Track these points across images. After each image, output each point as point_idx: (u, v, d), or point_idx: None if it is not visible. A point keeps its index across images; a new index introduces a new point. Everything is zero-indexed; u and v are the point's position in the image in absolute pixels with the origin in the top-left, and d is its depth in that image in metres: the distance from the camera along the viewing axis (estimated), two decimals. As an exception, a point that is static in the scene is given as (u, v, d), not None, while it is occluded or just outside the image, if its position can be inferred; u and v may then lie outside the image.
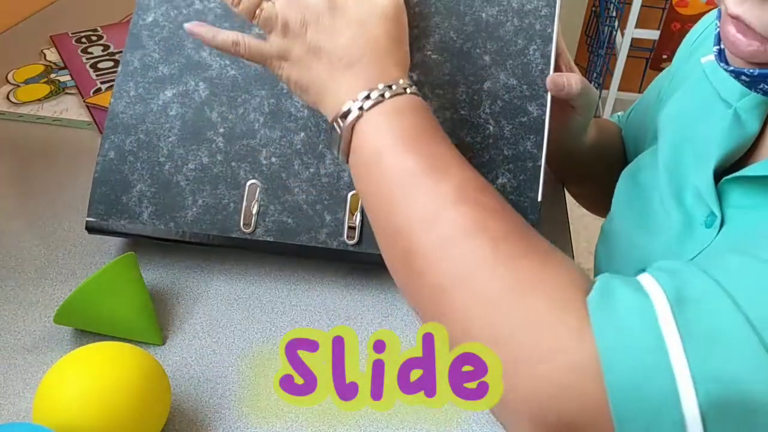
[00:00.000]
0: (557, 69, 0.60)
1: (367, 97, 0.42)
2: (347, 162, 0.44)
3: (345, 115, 0.42)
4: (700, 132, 0.51)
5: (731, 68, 0.40)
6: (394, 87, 0.42)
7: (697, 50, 0.61)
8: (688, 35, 0.64)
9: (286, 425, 0.50)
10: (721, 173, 0.46)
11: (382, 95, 0.42)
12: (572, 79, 0.57)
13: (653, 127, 0.61)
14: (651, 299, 0.32)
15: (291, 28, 0.44)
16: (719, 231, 0.45)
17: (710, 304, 0.32)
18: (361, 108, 0.41)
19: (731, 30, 0.38)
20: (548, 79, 0.57)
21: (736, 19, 0.37)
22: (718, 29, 0.42)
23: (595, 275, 0.61)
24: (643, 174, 0.58)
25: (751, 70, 0.38)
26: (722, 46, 0.41)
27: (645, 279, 0.34)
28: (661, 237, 0.50)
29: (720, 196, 0.45)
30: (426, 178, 0.38)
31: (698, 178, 0.47)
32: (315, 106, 0.46)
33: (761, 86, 0.39)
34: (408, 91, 0.43)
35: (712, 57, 0.54)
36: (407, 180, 0.39)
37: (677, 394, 0.30)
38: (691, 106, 0.54)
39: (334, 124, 0.43)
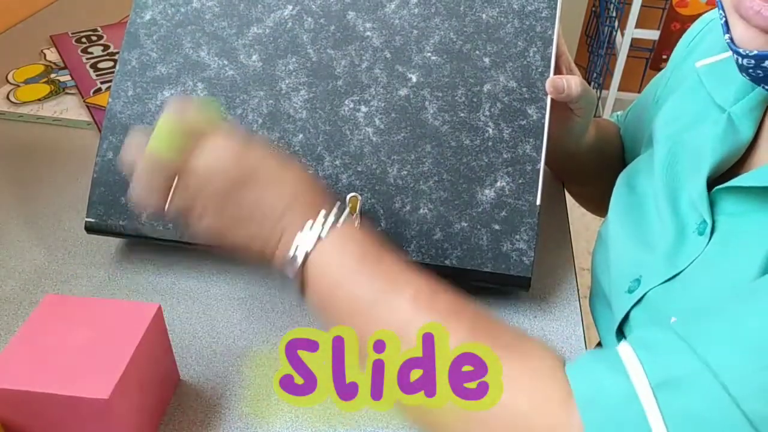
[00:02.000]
0: (558, 71, 0.60)
1: (311, 228, 0.42)
2: (304, 298, 0.45)
3: (294, 255, 0.43)
4: (694, 138, 0.50)
5: (752, 53, 0.38)
6: (334, 214, 0.43)
7: (692, 53, 0.61)
8: (683, 38, 0.64)
9: (286, 425, 0.50)
10: (714, 180, 0.46)
11: (331, 222, 0.43)
12: (572, 82, 0.57)
13: (649, 130, 0.61)
14: (633, 385, 0.33)
15: (216, 194, 0.44)
16: (710, 239, 0.45)
17: (693, 387, 0.32)
18: (315, 242, 0.42)
19: (753, 0, 0.37)
20: (548, 82, 0.57)
21: None
22: (723, 18, 0.41)
23: (593, 279, 0.61)
24: (638, 179, 0.58)
25: None
26: (732, 35, 0.40)
27: (625, 354, 0.35)
28: (656, 244, 0.50)
29: (712, 204, 0.45)
30: (382, 298, 0.40)
31: (692, 185, 0.47)
32: (263, 257, 0.46)
33: None
34: (348, 219, 0.44)
35: (707, 61, 0.54)
36: (365, 305, 0.41)
37: None
38: (686, 111, 0.54)
39: (287, 263, 0.43)
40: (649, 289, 0.48)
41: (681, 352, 0.33)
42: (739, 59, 0.40)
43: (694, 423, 0.31)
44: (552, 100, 0.58)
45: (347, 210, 0.44)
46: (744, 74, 0.41)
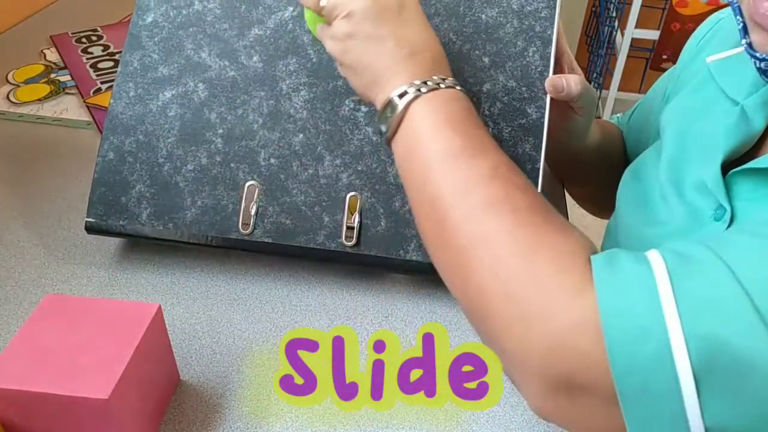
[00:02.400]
0: (560, 69, 0.60)
1: (424, 83, 0.44)
2: (390, 141, 0.46)
3: (401, 95, 0.45)
4: (705, 128, 0.51)
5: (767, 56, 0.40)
6: (447, 80, 0.45)
7: (702, 51, 0.61)
8: (692, 36, 0.64)
9: (286, 425, 0.50)
10: (726, 167, 0.46)
11: (437, 85, 0.45)
12: (571, 81, 0.57)
13: (656, 126, 0.61)
14: (652, 268, 0.35)
15: (356, 15, 0.47)
16: (729, 224, 0.45)
17: (707, 273, 0.34)
18: (418, 90, 0.44)
19: (766, 5, 0.39)
20: (547, 81, 0.57)
21: None
22: (741, 23, 0.43)
23: None
24: (645, 170, 0.58)
25: None
26: (750, 40, 0.42)
27: (651, 253, 0.37)
28: (665, 232, 0.50)
29: (728, 190, 0.46)
30: (467, 156, 0.42)
31: (704, 172, 0.48)
32: (364, 88, 0.48)
33: None
34: (458, 87, 0.46)
35: (717, 57, 0.54)
36: (449, 156, 0.42)
37: (671, 352, 0.32)
38: (696, 104, 0.55)
39: (389, 104, 0.45)
40: None
41: (700, 248, 0.35)
42: (757, 63, 0.41)
43: (704, 306, 0.33)
44: (551, 99, 0.58)
45: (459, 87, 0.46)
46: (764, 77, 0.42)
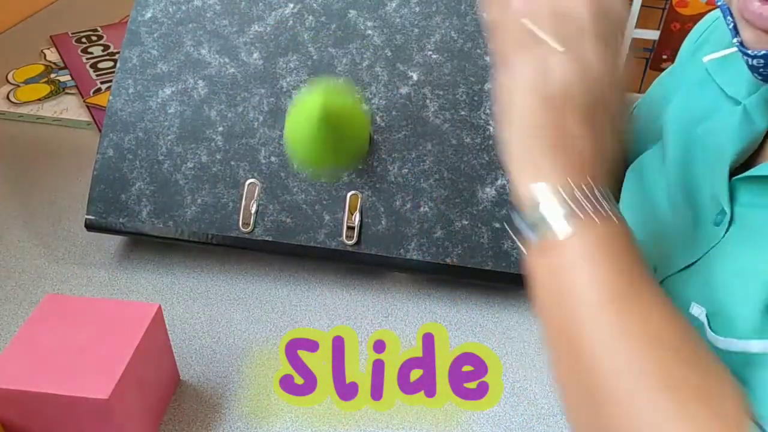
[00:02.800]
0: None
1: (571, 206, 0.36)
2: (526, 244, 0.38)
3: (542, 214, 0.36)
4: (709, 129, 0.51)
5: (760, 53, 0.38)
6: (603, 204, 0.36)
7: (699, 49, 0.61)
8: (689, 35, 0.64)
9: (286, 425, 0.49)
10: (731, 172, 0.46)
11: (589, 212, 0.36)
12: None
13: (657, 126, 0.61)
14: None
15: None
16: (728, 229, 0.45)
17: None
18: (563, 223, 0.36)
19: (755, 5, 0.37)
20: None
21: None
22: (732, 23, 0.41)
23: None
24: (647, 173, 0.58)
25: None
26: (741, 38, 0.40)
27: None
28: (670, 234, 0.50)
29: (731, 195, 0.46)
30: (624, 339, 0.35)
31: (711, 176, 0.48)
32: (521, 167, 0.38)
33: None
34: (613, 214, 0.37)
35: (714, 56, 0.54)
36: (604, 336, 0.35)
37: None
38: (695, 105, 0.54)
39: (529, 208, 0.37)
40: (665, 277, 0.49)
41: None
42: (749, 60, 0.40)
43: None
44: None
45: (614, 207, 0.36)
46: (756, 74, 0.41)
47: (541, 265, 0.38)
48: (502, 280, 0.57)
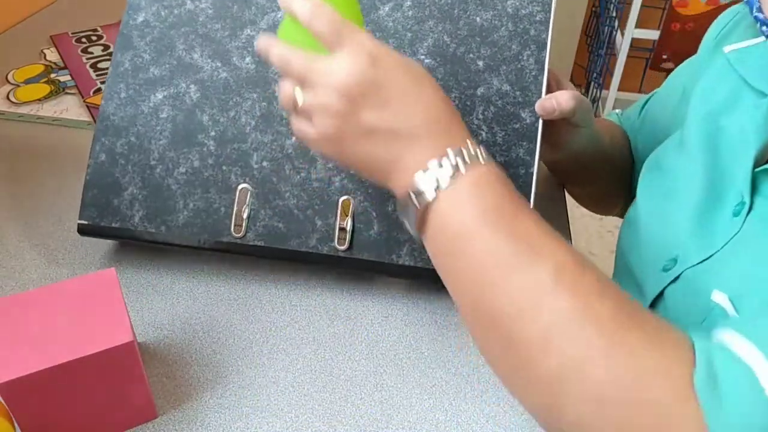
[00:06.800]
0: (547, 89, 0.59)
1: (440, 166, 0.39)
2: (421, 236, 0.41)
3: (419, 193, 0.39)
4: (734, 123, 0.51)
5: None
6: (465, 154, 0.40)
7: (721, 43, 0.61)
8: (711, 27, 0.64)
9: (286, 425, 0.50)
10: (754, 164, 0.46)
11: (456, 166, 0.39)
12: (561, 98, 0.57)
13: (676, 118, 0.61)
14: (753, 370, 0.32)
15: (335, 110, 0.41)
16: (746, 219, 0.45)
17: None
18: (437, 188, 0.39)
19: None
20: (537, 106, 0.57)
21: None
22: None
23: (617, 261, 0.61)
24: (668, 161, 0.58)
25: None
26: (761, 5, 0.42)
27: (743, 347, 0.34)
28: (691, 224, 0.51)
29: (753, 186, 0.46)
30: (519, 264, 0.36)
31: (734, 167, 0.48)
32: (381, 183, 0.43)
33: None
34: (481, 158, 0.40)
35: (736, 46, 0.54)
36: (499, 266, 0.37)
37: None
38: (717, 93, 0.55)
39: (409, 200, 0.40)
40: (687, 267, 0.49)
41: None
42: (765, 28, 0.42)
43: None
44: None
45: (479, 151, 0.40)
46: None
47: (431, 237, 0.40)
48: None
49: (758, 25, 0.42)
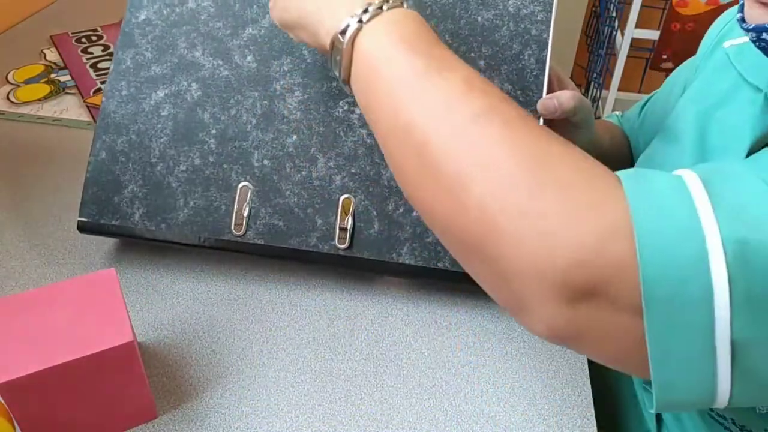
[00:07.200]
0: (549, 88, 0.59)
1: (365, 11, 0.42)
2: (348, 81, 0.44)
3: (344, 32, 0.42)
4: (728, 116, 0.51)
5: (751, 26, 0.41)
6: (390, 1, 0.43)
7: (722, 41, 0.61)
8: (712, 27, 0.65)
9: (286, 425, 0.49)
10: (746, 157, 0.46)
11: (379, 7, 0.42)
12: (563, 98, 0.57)
13: (675, 115, 0.61)
14: (683, 178, 0.33)
15: None
16: None
17: (741, 181, 0.33)
18: (360, 21, 0.41)
19: None
20: (539, 106, 0.57)
21: None
22: (743, 1, 0.44)
23: None
24: (659, 155, 0.58)
25: None
26: (743, 14, 0.43)
27: (680, 170, 0.35)
28: None
29: None
30: (434, 75, 0.38)
31: (729, 160, 0.48)
32: (314, 40, 0.46)
33: None
34: (405, 5, 0.43)
35: (735, 41, 0.55)
36: (415, 79, 0.38)
37: (707, 257, 0.30)
38: (714, 89, 0.55)
39: (335, 43, 0.43)
40: None
41: (730, 164, 0.34)
42: (746, 34, 0.43)
43: (741, 210, 0.31)
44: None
45: (408, 3, 0.43)
46: (756, 47, 0.43)
47: (356, 82, 0.42)
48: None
49: (743, 29, 0.43)
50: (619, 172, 0.35)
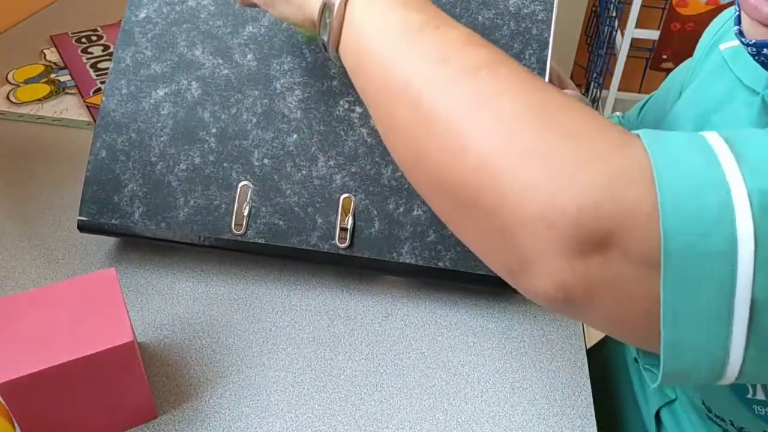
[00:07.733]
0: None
1: None
2: (337, 47, 0.42)
3: (332, 3, 0.41)
4: (725, 119, 0.51)
5: (752, 42, 0.42)
6: None
7: (718, 43, 0.61)
8: (708, 28, 0.64)
9: (286, 425, 0.49)
10: None
11: None
12: None
13: (672, 117, 0.61)
14: (704, 136, 0.31)
15: None
16: None
17: (762, 139, 0.31)
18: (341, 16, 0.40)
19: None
20: None
21: None
22: (738, 12, 0.45)
23: None
24: None
25: None
26: (741, 27, 0.44)
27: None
28: None
29: None
30: (432, 28, 0.37)
31: None
32: (301, 14, 0.45)
33: None
34: None
35: (731, 44, 0.55)
36: (412, 32, 0.37)
37: (732, 208, 0.29)
38: (711, 92, 0.55)
39: (326, 4, 0.41)
40: None
41: (749, 130, 0.32)
42: (745, 48, 0.44)
43: (763, 160, 0.30)
44: None
45: None
46: (756, 60, 0.44)
47: (346, 45, 0.40)
48: (494, 284, 0.57)
49: (742, 42, 0.43)
50: (635, 130, 0.33)
